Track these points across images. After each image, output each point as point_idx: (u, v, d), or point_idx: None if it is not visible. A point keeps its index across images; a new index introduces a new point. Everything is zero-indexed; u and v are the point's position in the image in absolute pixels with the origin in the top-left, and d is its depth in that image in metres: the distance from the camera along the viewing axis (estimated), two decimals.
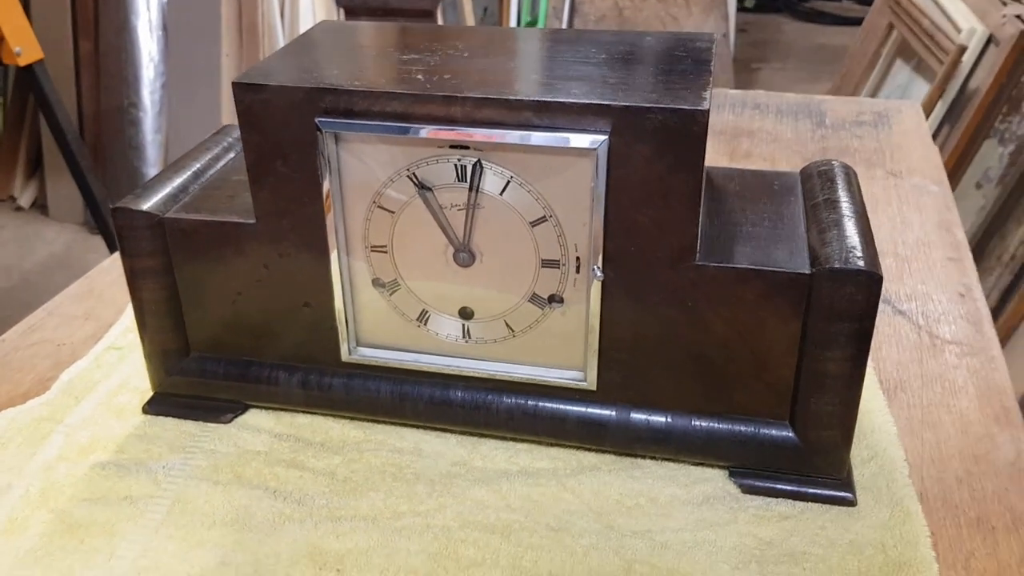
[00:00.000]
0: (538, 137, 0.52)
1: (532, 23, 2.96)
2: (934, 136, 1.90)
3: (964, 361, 0.73)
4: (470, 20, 2.52)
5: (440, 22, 2.34)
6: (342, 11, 2.30)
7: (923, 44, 2.02)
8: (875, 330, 0.76)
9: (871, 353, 0.73)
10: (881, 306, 0.79)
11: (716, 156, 1.09)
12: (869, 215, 0.94)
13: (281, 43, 2.44)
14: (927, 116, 1.87)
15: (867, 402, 0.67)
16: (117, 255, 0.90)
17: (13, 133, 2.83)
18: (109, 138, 2.61)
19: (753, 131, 1.16)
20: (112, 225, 0.62)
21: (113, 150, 2.61)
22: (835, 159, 0.65)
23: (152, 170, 2.57)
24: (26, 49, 1.72)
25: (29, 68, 1.75)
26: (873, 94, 2.24)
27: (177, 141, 2.60)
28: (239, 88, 0.56)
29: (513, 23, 2.79)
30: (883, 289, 0.81)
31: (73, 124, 2.06)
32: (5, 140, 2.88)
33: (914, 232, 0.92)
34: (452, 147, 0.55)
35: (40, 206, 2.87)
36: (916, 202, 0.98)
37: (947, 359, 0.73)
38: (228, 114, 2.53)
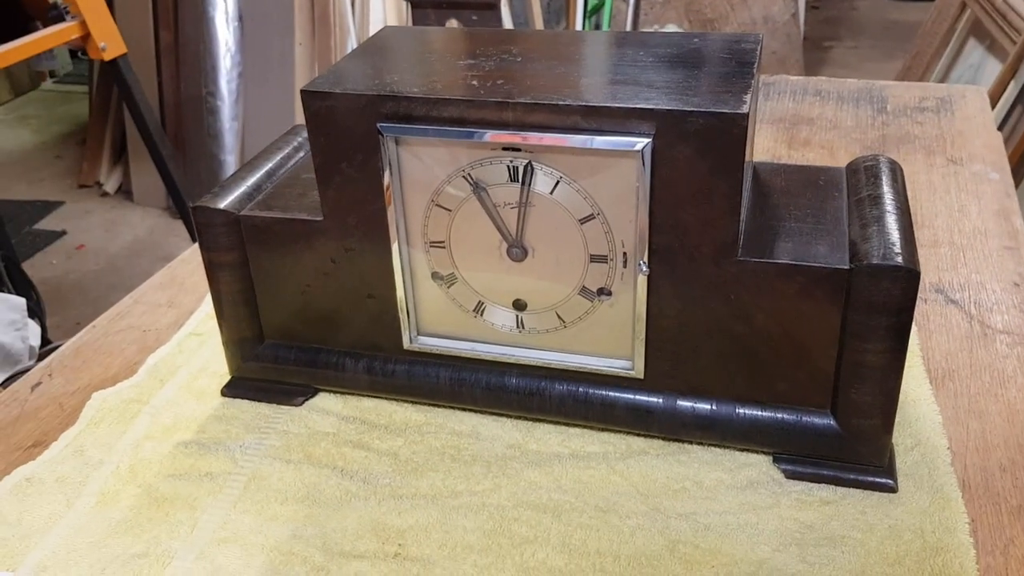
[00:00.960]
0: (585, 140, 0.55)
1: (599, 6, 2.96)
2: (1006, 118, 1.86)
3: (1015, 351, 0.74)
4: (536, 4, 2.54)
5: (506, 8, 2.37)
6: (408, 4, 2.34)
7: (996, 24, 1.98)
8: (926, 319, 0.77)
9: (920, 342, 0.74)
10: (933, 295, 0.81)
11: (774, 144, 1.10)
12: (927, 203, 0.95)
13: (352, 32, 2.49)
14: (999, 97, 1.84)
15: (913, 391, 0.68)
16: (197, 245, 0.95)
17: (99, 122, 2.95)
18: (188, 126, 2.70)
19: (813, 118, 1.17)
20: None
21: (192, 137, 2.71)
22: (881, 154, 0.67)
23: (230, 157, 2.65)
24: (111, 45, 1.80)
25: (113, 62, 1.82)
26: (945, 74, 2.21)
27: (253, 128, 2.68)
28: (307, 95, 0.60)
29: (580, 6, 2.80)
30: (936, 278, 0.83)
31: (155, 115, 2.15)
32: (91, 128, 3.00)
33: (971, 220, 0.92)
34: (505, 149, 0.58)
35: (125, 191, 2.99)
36: (975, 190, 0.98)
37: (997, 349, 0.74)
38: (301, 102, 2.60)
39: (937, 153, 1.06)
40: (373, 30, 2.47)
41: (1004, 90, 1.84)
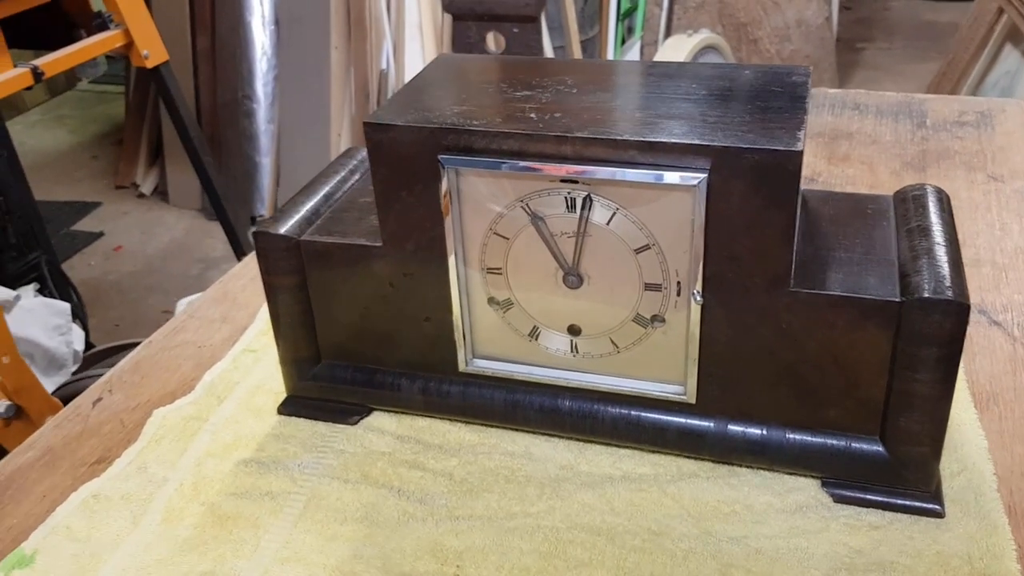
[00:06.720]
0: (642, 174, 0.57)
1: (632, 10, 2.97)
2: None
3: None
4: (571, 11, 2.55)
5: (542, 15, 2.38)
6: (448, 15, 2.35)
7: None
8: (969, 341, 0.78)
9: (963, 365, 0.75)
10: (976, 316, 0.81)
11: (814, 159, 1.11)
12: (968, 221, 0.96)
13: (388, 37, 2.51)
14: None
15: (958, 415, 0.69)
16: (247, 261, 0.97)
17: (135, 123, 2.99)
18: (225, 128, 2.74)
19: (852, 133, 1.17)
20: (251, 240, 0.69)
21: (229, 140, 2.74)
22: (928, 183, 0.68)
23: (265, 159, 2.68)
24: (153, 52, 1.83)
25: (155, 69, 1.85)
26: (980, 80, 2.19)
27: (289, 131, 2.71)
28: (370, 127, 0.61)
29: (613, 11, 2.81)
30: (979, 299, 0.83)
31: (195, 120, 2.18)
32: (128, 130, 3.04)
33: (1013, 239, 0.92)
34: (563, 181, 0.59)
35: (160, 193, 3.03)
36: (1017, 208, 0.98)
37: None
38: (336, 105, 2.62)
39: (978, 169, 1.06)
40: (409, 35, 2.49)
41: None
